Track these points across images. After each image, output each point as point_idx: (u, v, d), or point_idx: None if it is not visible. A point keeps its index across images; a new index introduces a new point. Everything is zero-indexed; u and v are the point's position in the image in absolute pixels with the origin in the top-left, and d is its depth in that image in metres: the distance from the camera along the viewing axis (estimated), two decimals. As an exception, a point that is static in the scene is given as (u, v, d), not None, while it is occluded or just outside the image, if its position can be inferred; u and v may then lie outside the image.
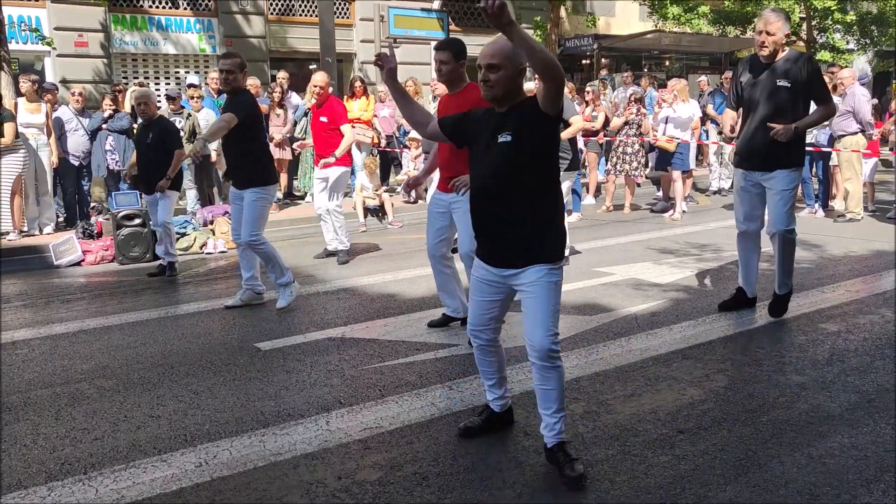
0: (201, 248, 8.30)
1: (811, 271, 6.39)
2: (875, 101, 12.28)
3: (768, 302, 5.16)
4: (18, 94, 9.28)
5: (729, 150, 11.63)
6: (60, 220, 9.59)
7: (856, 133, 8.92)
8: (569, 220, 9.87)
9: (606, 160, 10.91)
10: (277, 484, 3.03)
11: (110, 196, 8.55)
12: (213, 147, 9.85)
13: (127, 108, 9.73)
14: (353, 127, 10.18)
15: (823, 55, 18.20)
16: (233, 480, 3.06)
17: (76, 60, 12.99)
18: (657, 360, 4.32)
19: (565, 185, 7.19)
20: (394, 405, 3.77)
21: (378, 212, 9.82)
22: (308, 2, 15.22)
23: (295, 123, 10.75)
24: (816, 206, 9.76)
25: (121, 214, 7.82)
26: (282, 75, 11.24)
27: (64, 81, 12.43)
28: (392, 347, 4.71)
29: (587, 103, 10.84)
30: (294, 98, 11.10)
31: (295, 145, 10.23)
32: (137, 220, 7.85)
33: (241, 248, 5.78)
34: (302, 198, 11.10)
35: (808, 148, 9.69)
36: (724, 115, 5.23)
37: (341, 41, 13.78)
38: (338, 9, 14.78)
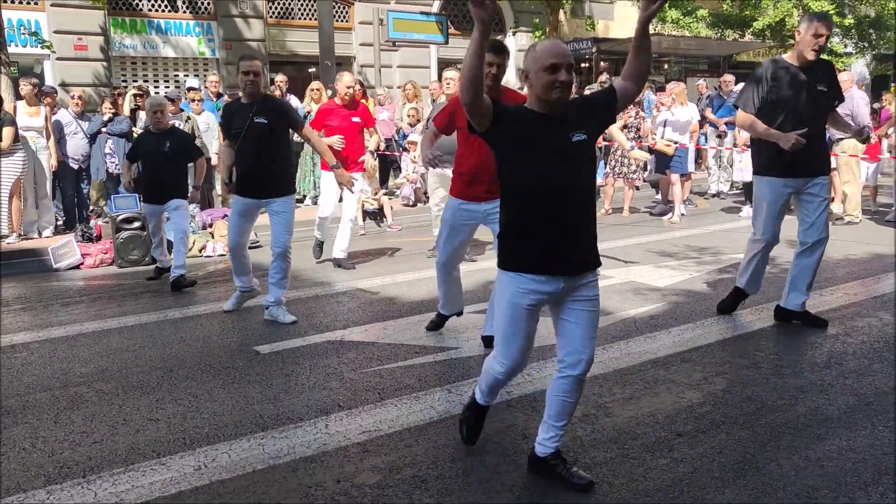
0: (200, 251, 8.31)
1: (809, 274, 6.39)
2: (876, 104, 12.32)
3: (774, 306, 5.15)
4: (18, 97, 9.29)
5: (727, 154, 11.65)
6: (59, 223, 9.59)
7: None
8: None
9: (605, 163, 10.93)
10: (276, 487, 3.03)
11: (109, 199, 8.55)
12: (214, 151, 9.87)
13: (126, 111, 9.75)
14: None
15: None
16: (232, 483, 3.07)
17: (75, 64, 13.01)
18: (656, 364, 4.33)
19: None
20: (392, 408, 3.78)
21: (377, 215, 9.83)
22: (307, 5, 15.24)
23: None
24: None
25: (120, 218, 7.82)
26: (280, 79, 11.24)
27: (63, 85, 12.44)
28: (391, 350, 4.71)
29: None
30: (293, 101, 11.12)
31: None
32: (136, 224, 7.85)
33: (237, 253, 5.65)
34: (301, 200, 11.10)
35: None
36: (746, 118, 4.86)
37: (340, 44, 13.79)
38: (337, 12, 14.80)
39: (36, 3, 12.85)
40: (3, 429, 3.67)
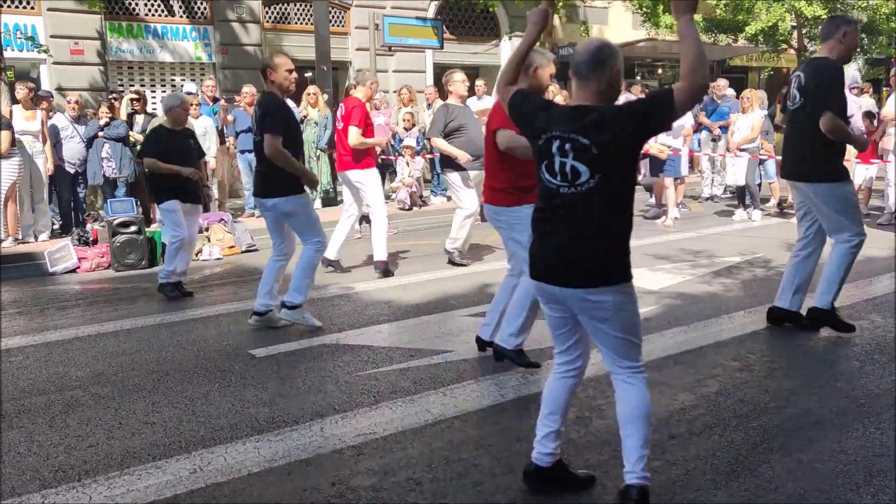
0: (197, 255, 8.30)
1: (803, 278, 6.42)
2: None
3: (767, 308, 5.17)
4: (14, 101, 9.29)
5: (720, 157, 11.69)
6: (56, 227, 9.58)
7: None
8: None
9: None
10: (272, 490, 3.05)
11: (106, 203, 8.56)
12: (213, 154, 9.89)
13: (123, 115, 9.76)
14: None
15: (815, 63, 18.29)
16: (227, 487, 3.08)
17: (72, 68, 13.00)
18: (649, 366, 4.30)
19: None
20: (388, 411, 3.80)
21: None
22: (304, 10, 15.27)
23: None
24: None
25: (116, 221, 7.83)
26: (277, 83, 11.25)
27: (60, 89, 12.43)
28: (386, 354, 4.73)
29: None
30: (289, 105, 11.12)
31: None
32: (133, 228, 7.86)
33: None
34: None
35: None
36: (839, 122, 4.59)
37: (336, 49, 13.82)
38: (333, 17, 14.82)
39: (32, 8, 12.85)
40: (-1, 432, 3.68)
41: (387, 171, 12.12)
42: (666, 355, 4.53)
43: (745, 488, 2.96)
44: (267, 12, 15.01)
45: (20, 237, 8.91)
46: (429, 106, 12.06)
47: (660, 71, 21.23)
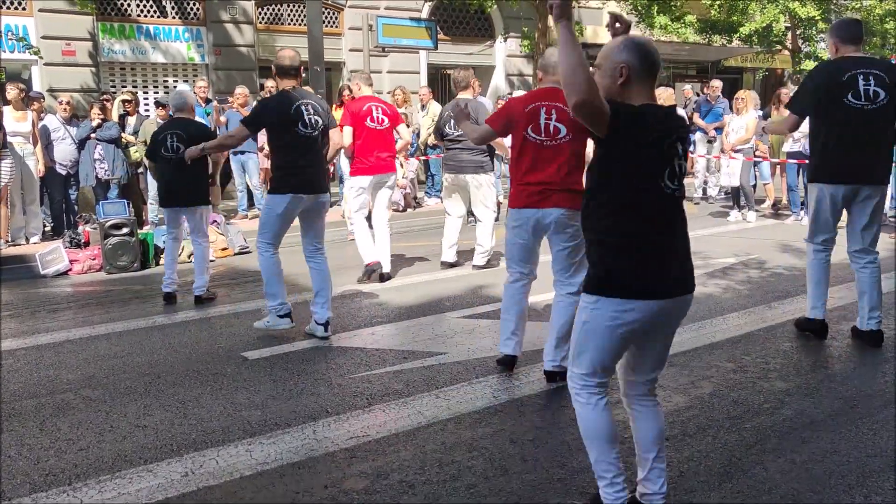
0: (189, 256, 8.27)
1: (797, 278, 6.44)
2: None
3: (760, 310, 5.18)
4: (5, 102, 9.24)
5: (715, 158, 11.70)
6: (47, 229, 9.54)
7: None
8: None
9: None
10: (264, 493, 3.03)
11: (98, 205, 8.52)
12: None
13: (115, 117, 9.72)
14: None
15: (808, 64, 18.40)
16: (219, 490, 3.06)
17: (64, 69, 12.96)
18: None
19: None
20: (380, 413, 3.78)
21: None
22: (297, 11, 15.25)
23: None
24: (802, 213, 9.84)
25: (108, 224, 7.80)
26: (270, 84, 11.23)
27: (51, 90, 12.39)
28: (379, 356, 4.71)
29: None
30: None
31: None
32: (125, 230, 7.83)
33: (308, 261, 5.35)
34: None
35: (792, 158, 9.83)
36: None
37: (330, 50, 13.79)
38: (326, 18, 14.81)
39: (24, 9, 12.80)
40: (-11, 436, 3.65)
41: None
42: (660, 356, 4.51)
43: (739, 489, 2.95)
44: (260, 13, 14.99)
45: (11, 239, 8.86)
46: (423, 107, 12.04)
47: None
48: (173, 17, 14.13)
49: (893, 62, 4.58)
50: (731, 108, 11.00)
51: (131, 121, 9.85)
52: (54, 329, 5.61)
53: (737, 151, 10.02)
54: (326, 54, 12.46)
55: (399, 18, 14.61)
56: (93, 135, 9.24)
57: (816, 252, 4.77)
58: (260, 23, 14.97)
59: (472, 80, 7.02)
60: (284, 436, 3.54)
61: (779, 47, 19.42)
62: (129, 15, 13.77)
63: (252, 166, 10.50)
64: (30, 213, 9.21)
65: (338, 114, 10.42)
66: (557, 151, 4.00)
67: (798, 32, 18.59)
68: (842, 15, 18.58)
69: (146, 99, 13.52)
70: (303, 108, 5.05)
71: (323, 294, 5.12)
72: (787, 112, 4.86)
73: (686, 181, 2.69)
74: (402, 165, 11.36)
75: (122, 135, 9.54)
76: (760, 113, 10.61)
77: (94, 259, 7.94)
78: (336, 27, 15.60)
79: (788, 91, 8.85)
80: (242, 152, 10.11)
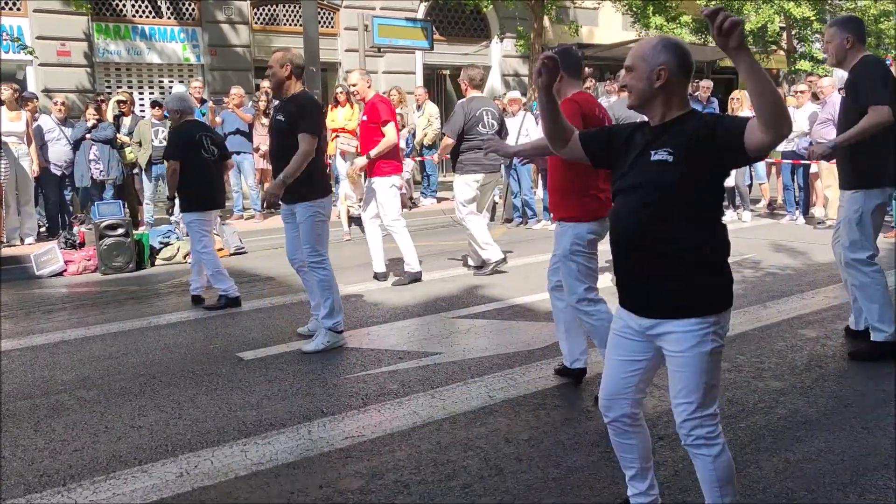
0: (185, 257, 8.27)
1: (791, 277, 6.46)
2: None
3: (755, 309, 5.18)
4: (-1, 102, 9.23)
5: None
6: (42, 229, 9.52)
7: (835, 141, 9.00)
8: (536, 227, 9.92)
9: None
10: (259, 493, 3.03)
11: (93, 206, 8.51)
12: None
13: (109, 117, 9.71)
14: (337, 136, 10.23)
15: (803, 65, 18.45)
16: (214, 490, 3.06)
17: (59, 70, 12.93)
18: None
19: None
20: (376, 414, 3.78)
21: (358, 223, 9.81)
22: (292, 11, 15.24)
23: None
24: (797, 212, 9.87)
25: (104, 224, 7.78)
26: (266, 84, 11.23)
27: (46, 91, 12.36)
28: (374, 356, 4.71)
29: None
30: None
31: None
32: (120, 230, 7.81)
33: (301, 272, 5.13)
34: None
35: (787, 158, 9.84)
36: None
37: (325, 50, 13.79)
38: (322, 18, 14.81)
39: (18, 9, 12.77)
40: (-17, 437, 3.64)
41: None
42: (655, 356, 4.52)
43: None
44: (256, 13, 14.98)
45: (6, 240, 8.84)
46: (419, 107, 12.05)
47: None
48: (168, 18, 14.11)
49: (889, 62, 4.45)
50: (723, 108, 11.02)
51: (126, 121, 9.85)
52: (49, 330, 5.60)
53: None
54: (322, 55, 12.45)
55: (395, 19, 14.60)
56: (88, 135, 9.23)
57: (874, 273, 4.33)
58: (255, 23, 14.95)
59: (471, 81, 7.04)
60: (279, 436, 3.54)
61: (774, 48, 19.46)
62: (125, 15, 13.74)
63: (248, 167, 10.50)
64: (24, 213, 9.19)
65: (334, 114, 10.46)
66: None
67: (793, 33, 18.64)
68: (836, 15, 18.65)
69: (141, 99, 13.49)
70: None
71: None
72: (870, 107, 4.16)
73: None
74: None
75: (118, 135, 9.53)
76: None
77: (89, 260, 7.93)
78: (332, 27, 15.59)
79: (785, 91, 8.87)
80: (238, 153, 10.10)
